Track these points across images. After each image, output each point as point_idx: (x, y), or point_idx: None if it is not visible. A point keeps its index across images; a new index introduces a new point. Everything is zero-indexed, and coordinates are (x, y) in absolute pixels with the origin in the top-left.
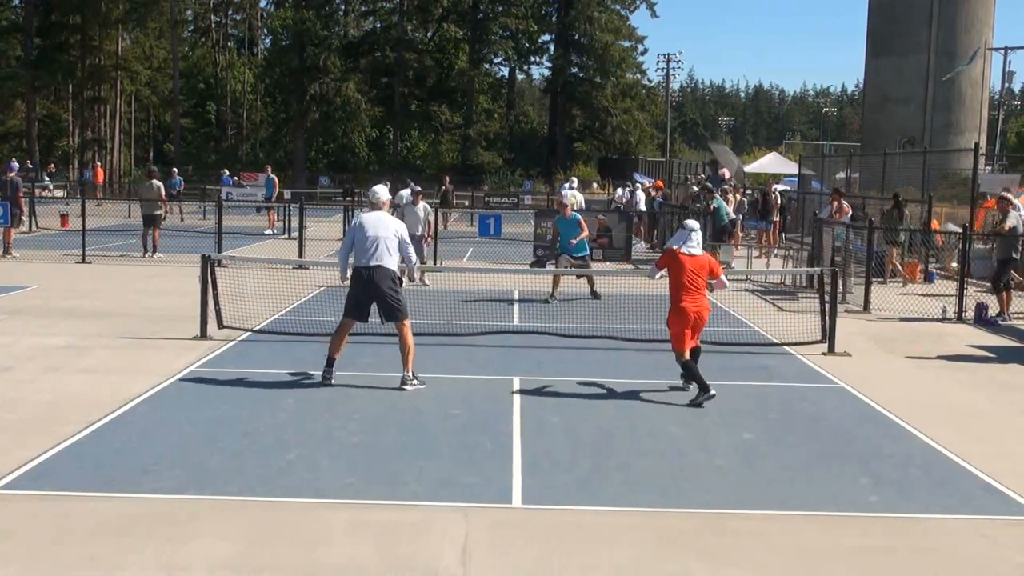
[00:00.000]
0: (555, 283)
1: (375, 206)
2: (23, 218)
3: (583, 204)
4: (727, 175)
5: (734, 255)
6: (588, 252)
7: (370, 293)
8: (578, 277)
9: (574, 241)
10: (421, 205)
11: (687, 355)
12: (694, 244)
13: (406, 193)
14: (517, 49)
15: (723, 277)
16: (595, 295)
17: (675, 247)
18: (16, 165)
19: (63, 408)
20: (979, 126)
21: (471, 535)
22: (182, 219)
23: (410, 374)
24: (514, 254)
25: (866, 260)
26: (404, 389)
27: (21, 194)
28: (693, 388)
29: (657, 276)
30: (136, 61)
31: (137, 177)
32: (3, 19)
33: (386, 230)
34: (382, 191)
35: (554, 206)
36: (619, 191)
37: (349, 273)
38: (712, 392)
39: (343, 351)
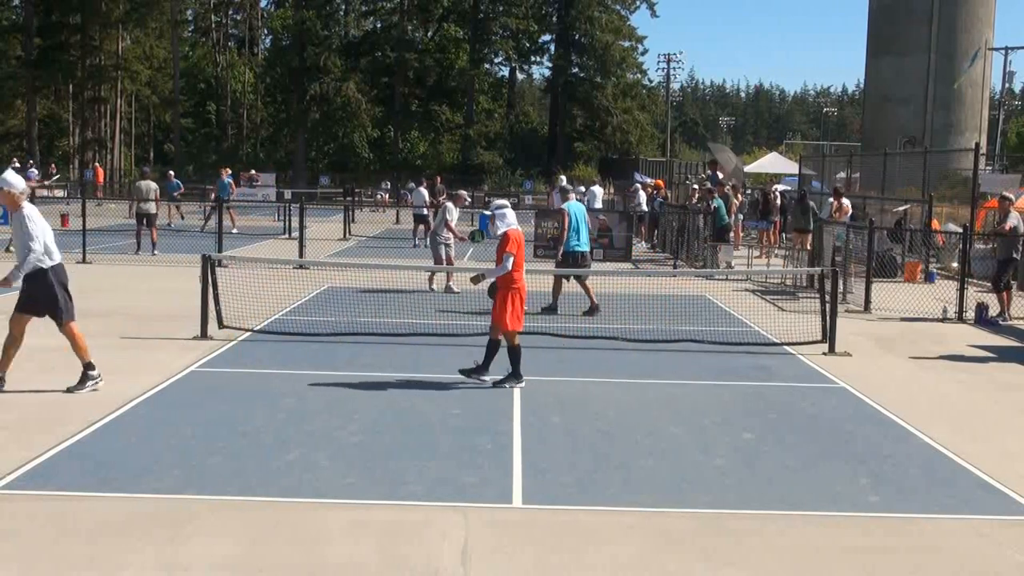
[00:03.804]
0: (557, 290)
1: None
2: None
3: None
4: (724, 173)
5: (734, 255)
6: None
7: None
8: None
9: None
10: (457, 212)
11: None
12: (514, 220)
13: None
14: (517, 49)
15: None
16: (594, 310)
17: (509, 229)
18: (35, 172)
19: (63, 408)
20: (979, 126)
21: (471, 535)
22: (182, 218)
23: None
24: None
25: (867, 260)
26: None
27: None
28: (502, 379)
29: (511, 263)
30: (136, 61)
31: (136, 177)
32: (3, 19)
33: None
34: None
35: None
36: (635, 186)
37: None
38: (522, 383)
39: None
